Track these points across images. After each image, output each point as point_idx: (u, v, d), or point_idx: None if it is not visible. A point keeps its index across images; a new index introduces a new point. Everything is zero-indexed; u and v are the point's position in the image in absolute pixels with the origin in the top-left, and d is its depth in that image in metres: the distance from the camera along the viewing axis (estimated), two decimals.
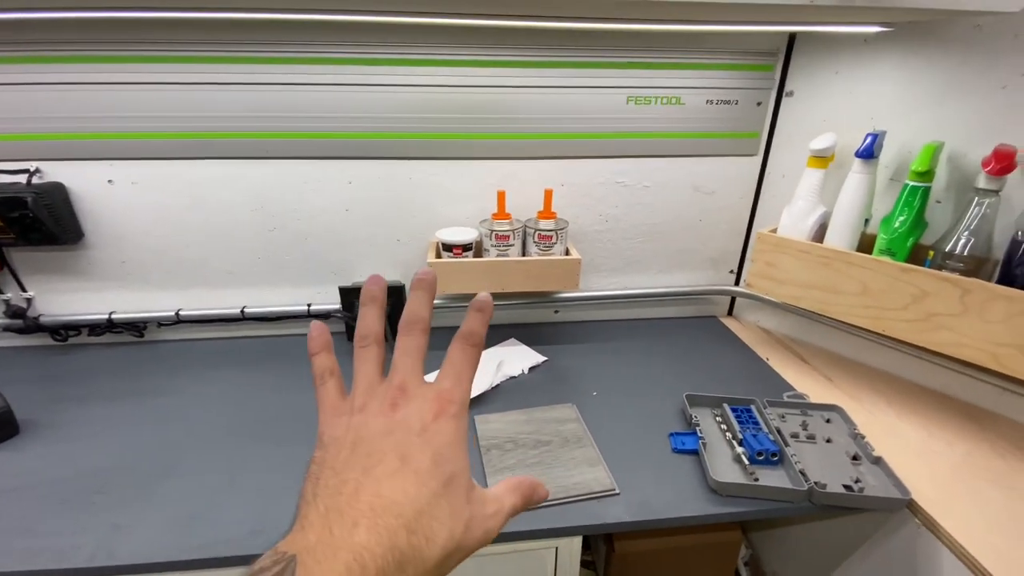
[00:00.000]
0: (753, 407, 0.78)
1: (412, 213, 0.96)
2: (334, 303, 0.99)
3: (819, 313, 0.86)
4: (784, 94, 0.95)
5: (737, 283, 1.12)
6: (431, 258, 0.90)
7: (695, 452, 0.71)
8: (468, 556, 0.25)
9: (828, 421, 0.77)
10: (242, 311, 0.98)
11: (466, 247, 0.90)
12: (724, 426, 0.76)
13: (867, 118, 0.86)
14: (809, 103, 0.92)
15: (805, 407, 0.79)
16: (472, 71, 0.87)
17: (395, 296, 0.97)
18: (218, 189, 0.91)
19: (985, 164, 0.68)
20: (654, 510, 0.63)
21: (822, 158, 0.83)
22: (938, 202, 0.81)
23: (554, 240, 0.91)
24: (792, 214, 0.87)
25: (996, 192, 0.69)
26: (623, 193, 1.00)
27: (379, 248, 0.99)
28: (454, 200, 0.96)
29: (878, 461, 0.68)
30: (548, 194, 0.91)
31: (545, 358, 0.96)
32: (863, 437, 0.72)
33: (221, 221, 0.93)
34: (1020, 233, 0.68)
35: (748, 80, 0.93)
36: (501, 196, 0.90)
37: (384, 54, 0.84)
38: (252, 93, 0.84)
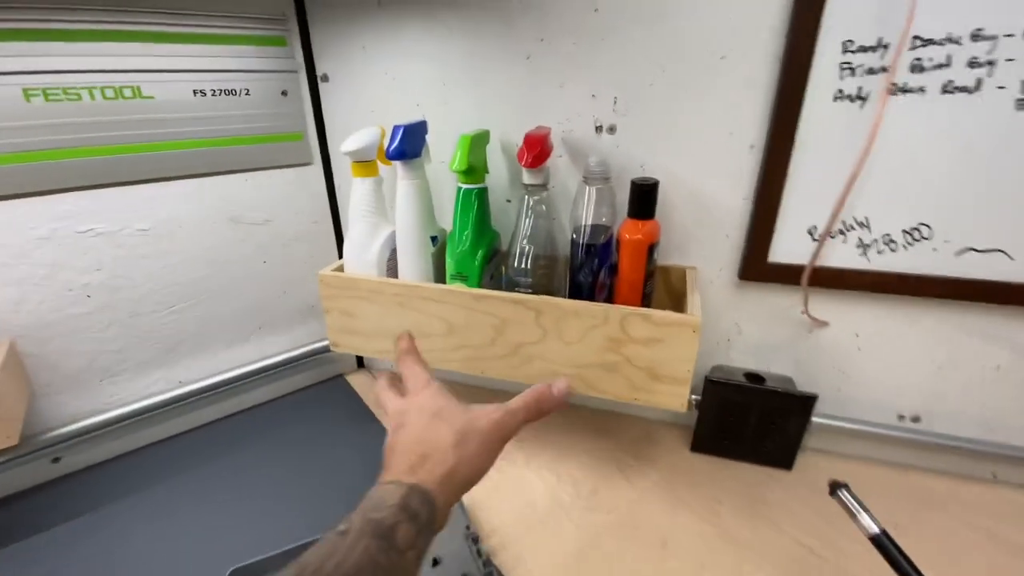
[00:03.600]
0: None
1: None
2: None
3: None
4: (320, 79, 0.70)
5: None
6: None
7: None
8: (487, 438, 0.36)
9: None
10: None
11: None
12: None
13: (413, 105, 0.67)
14: (350, 90, 0.70)
15: None
16: None
17: None
18: None
19: (520, 157, 0.54)
20: None
21: (364, 163, 0.61)
22: (508, 201, 0.68)
23: None
24: (352, 242, 0.63)
25: (544, 186, 0.57)
26: (102, 246, 0.61)
27: None
28: None
29: (489, 566, 0.49)
30: None
31: None
32: (476, 543, 0.52)
33: None
34: (575, 233, 0.56)
35: (260, 60, 0.65)
36: None
37: None
38: None
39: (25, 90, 0.52)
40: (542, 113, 0.61)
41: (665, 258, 0.62)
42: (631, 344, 0.52)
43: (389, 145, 0.55)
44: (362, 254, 0.62)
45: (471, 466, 0.35)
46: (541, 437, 0.70)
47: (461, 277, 0.59)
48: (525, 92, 0.61)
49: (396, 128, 0.55)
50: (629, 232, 0.53)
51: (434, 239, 0.62)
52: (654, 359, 0.52)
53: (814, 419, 0.62)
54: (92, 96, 0.55)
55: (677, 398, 0.53)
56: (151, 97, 0.58)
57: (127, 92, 0.57)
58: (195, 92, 0.61)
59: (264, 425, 0.75)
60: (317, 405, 0.80)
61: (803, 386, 0.63)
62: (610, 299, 0.58)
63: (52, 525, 0.58)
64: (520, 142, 0.55)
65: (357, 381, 0.86)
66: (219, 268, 0.70)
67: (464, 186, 0.58)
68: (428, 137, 0.61)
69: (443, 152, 0.65)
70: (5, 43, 0.49)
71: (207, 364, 0.73)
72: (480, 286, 0.60)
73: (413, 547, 0.30)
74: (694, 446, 0.68)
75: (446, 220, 0.65)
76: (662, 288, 0.63)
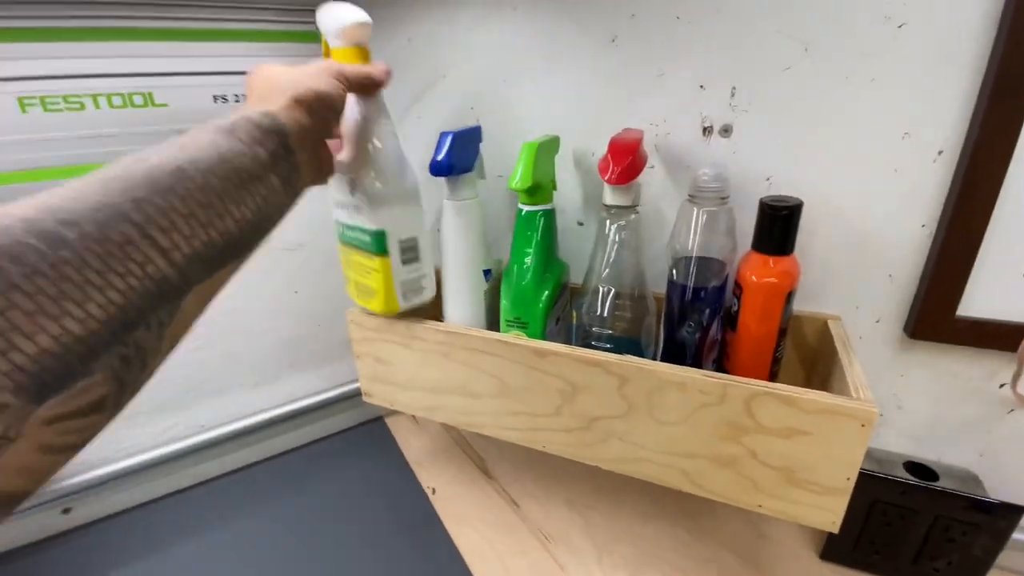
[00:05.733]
0: None
1: None
2: None
3: (463, 428, 0.53)
4: None
5: None
6: None
7: None
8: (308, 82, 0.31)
9: None
10: None
11: None
12: None
13: (466, 108, 0.55)
14: (394, 90, 0.59)
15: None
16: None
17: None
18: None
19: (602, 170, 0.40)
20: None
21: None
22: (580, 224, 0.54)
23: None
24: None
25: (632, 207, 0.43)
26: None
27: None
28: None
29: None
30: None
31: None
32: None
33: None
34: (675, 270, 0.42)
35: (289, 59, 0.55)
36: None
37: None
38: None
39: (20, 99, 0.44)
40: (630, 112, 0.47)
41: (795, 303, 0.46)
42: (759, 434, 0.37)
43: (434, 157, 0.43)
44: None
45: (293, 74, 0.32)
46: (616, 526, 0.55)
47: (519, 324, 0.46)
48: (608, 86, 0.47)
49: (444, 136, 0.44)
50: (757, 272, 0.38)
51: (487, 273, 0.50)
52: (793, 457, 0.37)
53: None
54: (97, 104, 0.47)
55: (825, 514, 0.37)
56: (164, 104, 0.50)
57: (137, 99, 0.49)
58: (215, 98, 0.52)
59: (292, 476, 0.66)
60: (351, 453, 0.70)
61: (992, 485, 0.45)
62: (721, 362, 0.43)
63: None
64: (600, 150, 0.42)
65: (397, 425, 0.75)
66: (244, 301, 0.61)
67: (526, 207, 0.45)
68: (482, 146, 0.49)
69: (499, 164, 0.53)
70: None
71: (231, 407, 0.64)
72: (544, 336, 0.46)
73: (259, 143, 0.26)
74: (826, 553, 0.51)
75: (499, 248, 0.52)
76: (789, 344, 0.47)
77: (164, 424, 0.61)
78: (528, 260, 0.46)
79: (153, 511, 0.62)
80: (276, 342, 0.65)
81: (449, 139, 0.43)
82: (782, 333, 0.40)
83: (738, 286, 0.39)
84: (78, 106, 0.47)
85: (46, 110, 0.45)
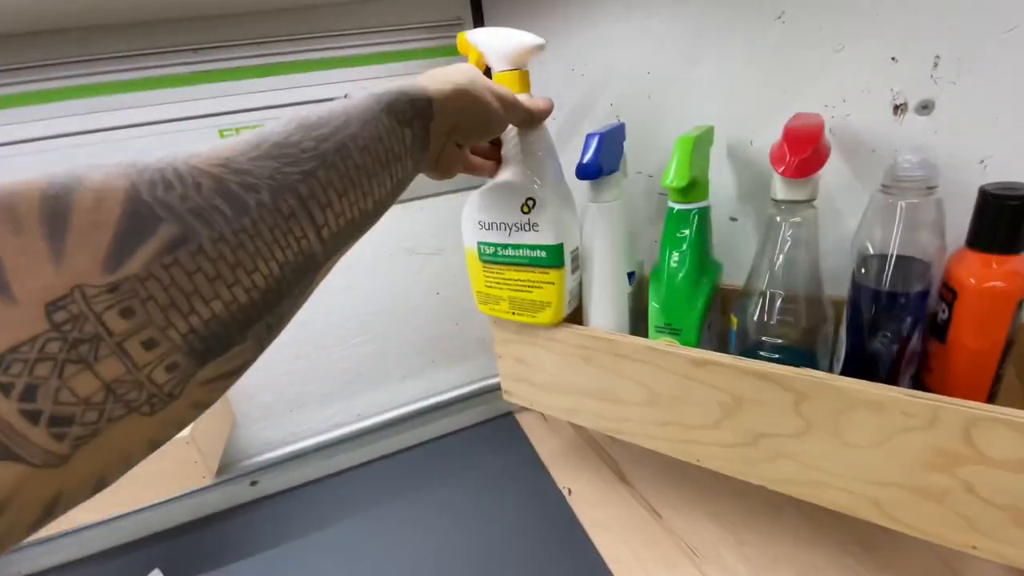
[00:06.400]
0: None
1: None
2: None
3: (603, 433, 0.52)
4: None
5: None
6: None
7: None
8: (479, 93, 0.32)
9: None
10: None
11: None
12: None
13: (605, 105, 0.54)
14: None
15: None
16: None
17: None
18: None
19: (777, 161, 0.36)
20: None
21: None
22: (734, 220, 0.50)
23: None
24: None
25: (810, 203, 0.38)
26: None
27: None
28: None
29: None
30: None
31: None
32: None
33: None
34: (862, 271, 0.37)
35: None
36: None
37: None
38: None
39: (221, 131, 0.52)
40: (798, 95, 0.42)
41: None
42: (980, 465, 0.31)
43: (581, 161, 0.42)
44: None
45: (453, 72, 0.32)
46: (773, 548, 0.51)
47: (671, 331, 0.44)
48: (772, 68, 0.43)
49: (590, 137, 0.42)
50: (977, 275, 0.32)
51: (631, 276, 0.48)
52: None
53: None
54: None
55: None
56: None
57: None
58: None
59: (435, 463, 0.70)
60: (486, 446, 0.72)
61: None
62: (919, 377, 0.37)
63: (251, 544, 0.60)
64: (761, 139, 0.38)
65: (528, 422, 0.76)
66: (396, 301, 0.66)
67: (678, 206, 0.43)
68: (625, 144, 0.47)
69: (639, 161, 0.51)
70: (200, 86, 0.49)
71: (382, 398, 0.70)
72: (699, 344, 0.44)
73: (409, 123, 0.27)
74: None
75: (636, 248, 0.50)
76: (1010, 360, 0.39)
77: (330, 411, 0.68)
78: (681, 262, 0.43)
79: (323, 487, 0.69)
80: (420, 340, 0.69)
81: (596, 140, 0.42)
82: (1008, 346, 0.34)
83: (949, 290, 0.34)
84: None
85: None
